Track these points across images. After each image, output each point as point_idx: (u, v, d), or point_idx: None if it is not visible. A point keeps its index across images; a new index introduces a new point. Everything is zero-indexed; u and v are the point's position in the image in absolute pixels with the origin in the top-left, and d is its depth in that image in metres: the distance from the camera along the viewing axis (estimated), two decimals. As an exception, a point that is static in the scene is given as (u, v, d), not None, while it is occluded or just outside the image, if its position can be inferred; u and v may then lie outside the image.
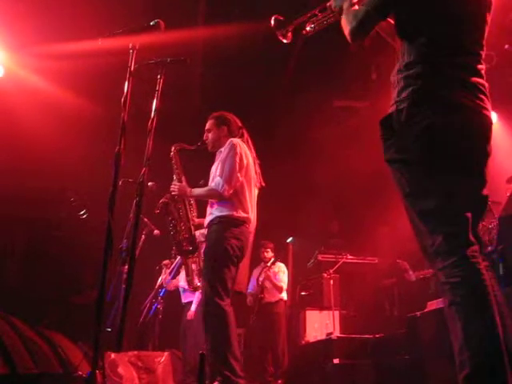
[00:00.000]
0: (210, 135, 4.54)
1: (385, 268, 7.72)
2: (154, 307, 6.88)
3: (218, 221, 4.22)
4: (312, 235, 9.07)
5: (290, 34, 2.75)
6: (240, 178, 4.28)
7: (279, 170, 7.78)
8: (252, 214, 4.37)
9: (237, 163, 4.26)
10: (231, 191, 4.21)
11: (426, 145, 1.99)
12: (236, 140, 4.39)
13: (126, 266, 4.35)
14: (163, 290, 6.94)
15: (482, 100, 2.05)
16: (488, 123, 2.07)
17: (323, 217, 8.84)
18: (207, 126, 4.57)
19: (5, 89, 6.04)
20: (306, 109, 7.83)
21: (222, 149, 4.39)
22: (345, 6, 2.30)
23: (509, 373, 1.77)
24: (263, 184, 4.59)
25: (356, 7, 2.27)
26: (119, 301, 4.66)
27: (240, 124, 4.59)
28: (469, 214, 1.97)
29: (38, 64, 5.94)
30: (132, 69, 2.88)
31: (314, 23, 2.66)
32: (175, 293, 7.17)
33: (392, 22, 2.32)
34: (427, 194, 1.99)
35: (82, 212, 8.99)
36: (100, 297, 2.63)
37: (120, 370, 2.59)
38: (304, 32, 2.72)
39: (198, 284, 4.97)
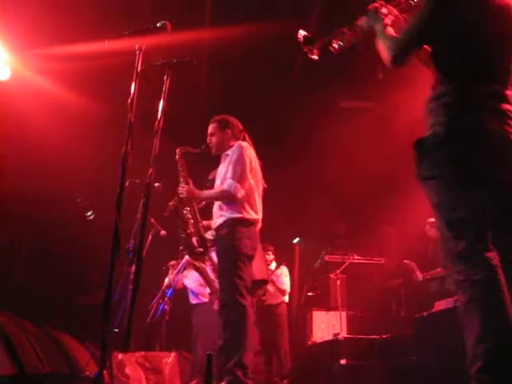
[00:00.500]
0: (213, 139, 4.58)
1: (392, 268, 7.70)
2: (160, 308, 6.88)
3: (231, 223, 4.27)
4: (319, 236, 9.07)
5: (316, 51, 2.79)
6: (251, 181, 4.34)
7: (286, 171, 7.80)
8: (260, 216, 4.43)
9: (247, 166, 4.33)
10: (243, 193, 4.26)
11: (456, 167, 2.22)
12: (244, 143, 4.47)
13: (133, 267, 4.36)
14: (170, 291, 6.94)
15: (510, 125, 2.25)
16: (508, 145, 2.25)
17: (330, 217, 8.82)
18: (210, 129, 4.61)
19: (11, 90, 6.06)
20: (312, 110, 7.83)
21: (229, 151, 4.44)
22: (378, 27, 2.44)
23: None
24: (265, 185, 4.64)
25: (390, 30, 2.40)
26: (126, 301, 4.67)
27: (241, 127, 4.64)
28: (489, 227, 2.19)
29: (45, 66, 5.95)
30: (139, 70, 2.89)
31: (341, 41, 2.71)
32: (182, 294, 7.18)
33: (428, 48, 2.42)
34: (454, 207, 2.21)
35: (88, 213, 9.02)
36: (107, 297, 2.64)
37: (127, 370, 2.60)
38: (331, 49, 2.76)
39: None
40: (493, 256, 2.12)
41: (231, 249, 4.20)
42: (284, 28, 5.98)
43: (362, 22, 2.57)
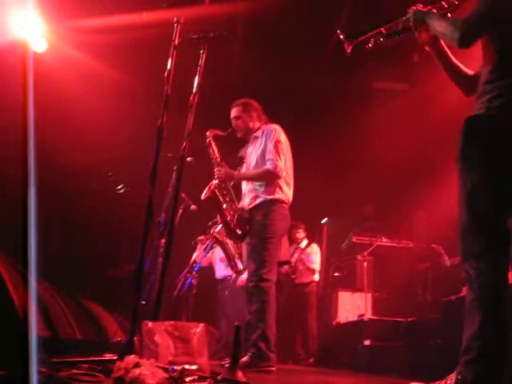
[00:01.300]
0: (239, 122, 4.62)
1: (419, 252, 7.64)
2: (188, 282, 6.97)
3: (267, 203, 4.37)
4: (347, 217, 9.03)
5: (351, 47, 2.83)
6: (287, 162, 4.45)
7: (318, 151, 7.75)
8: (291, 196, 4.51)
9: (283, 146, 4.42)
10: (284, 174, 4.38)
11: (502, 150, 2.24)
12: (275, 125, 4.53)
13: (163, 240, 4.43)
14: (198, 265, 7.03)
15: None
16: None
17: (359, 199, 8.77)
18: (235, 113, 4.64)
19: (49, 63, 6.11)
20: (347, 90, 7.75)
21: (259, 133, 4.50)
22: (433, 17, 2.52)
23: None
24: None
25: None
26: (155, 274, 4.74)
27: (262, 110, 4.68)
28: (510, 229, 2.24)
29: (82, 38, 5.98)
30: (176, 43, 2.90)
31: (378, 40, 2.75)
32: (209, 268, 7.27)
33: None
34: (483, 196, 2.23)
35: (119, 186, 9.13)
36: (139, 269, 2.69)
37: (156, 338, 2.64)
38: (367, 47, 2.81)
39: (241, 267, 5.07)
40: (505, 263, 2.22)
41: (265, 228, 4.32)
42: (319, 5, 5.92)
43: (408, 17, 2.61)
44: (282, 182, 4.40)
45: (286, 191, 4.45)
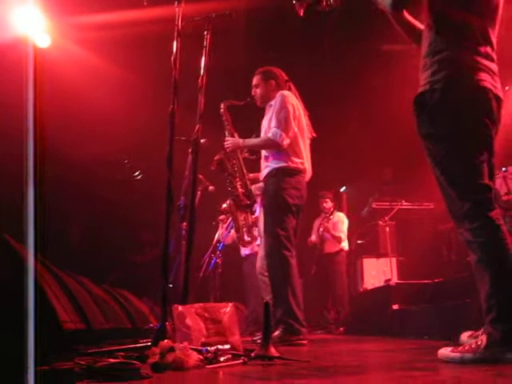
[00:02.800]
0: (258, 90, 4.58)
1: (441, 213, 7.59)
2: (213, 261, 7.04)
3: (276, 172, 4.28)
4: (365, 183, 9.01)
5: (302, 9, 2.89)
6: (295, 129, 4.32)
7: (329, 120, 7.70)
8: (307, 164, 4.42)
9: (291, 114, 4.31)
10: (288, 141, 4.25)
11: (455, 121, 2.33)
12: (286, 92, 4.44)
13: (185, 223, 4.47)
14: (221, 245, 7.09)
15: (497, 82, 2.40)
16: (501, 102, 2.42)
17: (376, 164, 8.73)
18: (254, 81, 4.60)
19: (52, 58, 6.11)
20: (354, 56, 7.66)
21: (272, 102, 4.43)
22: None
23: None
24: (314, 135, 4.62)
25: None
26: (180, 257, 4.80)
27: (286, 77, 4.60)
28: (490, 182, 2.35)
29: (85, 33, 5.98)
30: (179, 27, 2.89)
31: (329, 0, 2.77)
32: (233, 247, 7.32)
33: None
34: (455, 164, 2.35)
35: (136, 173, 9.20)
36: (164, 253, 2.72)
37: (188, 321, 2.69)
38: (319, 9, 2.80)
39: (248, 239, 5.08)
40: (496, 214, 2.30)
41: (276, 199, 4.24)
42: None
43: None
44: (289, 150, 4.29)
45: (296, 160, 4.32)
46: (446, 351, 2.33)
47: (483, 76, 2.34)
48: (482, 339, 2.21)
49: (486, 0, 2.41)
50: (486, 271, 2.24)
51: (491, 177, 2.40)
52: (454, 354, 2.27)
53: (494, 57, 2.43)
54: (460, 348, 2.28)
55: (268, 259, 4.30)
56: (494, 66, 2.41)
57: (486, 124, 2.35)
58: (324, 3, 2.78)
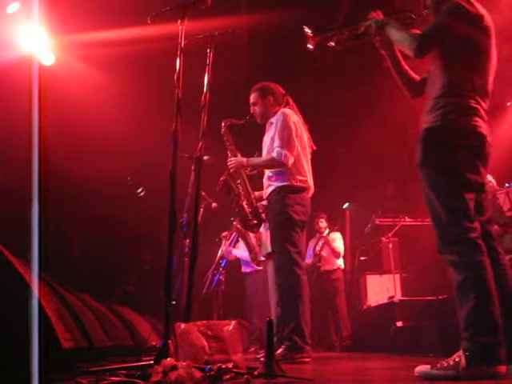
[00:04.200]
0: (256, 108, 4.57)
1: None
2: (216, 278, 7.02)
3: (279, 190, 4.28)
4: (368, 200, 9.00)
5: (314, 43, 2.99)
6: (298, 147, 4.32)
7: (332, 136, 7.72)
8: (310, 181, 4.42)
9: (293, 132, 4.30)
10: (292, 160, 4.25)
11: (458, 158, 2.56)
12: (288, 110, 4.44)
13: (188, 240, 4.45)
14: (224, 261, 7.07)
15: (489, 130, 2.67)
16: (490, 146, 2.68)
17: (379, 180, 8.73)
18: (252, 99, 4.59)
19: (57, 76, 6.15)
20: (354, 72, 7.69)
21: (273, 119, 4.42)
22: (392, 26, 2.77)
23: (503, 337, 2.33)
24: (314, 148, 4.61)
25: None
26: (183, 274, 4.78)
27: (283, 91, 4.60)
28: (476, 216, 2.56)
29: (89, 51, 6.02)
30: (182, 45, 2.90)
31: (339, 40, 2.93)
32: (236, 263, 7.31)
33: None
34: (452, 195, 2.55)
35: (139, 190, 9.20)
36: (167, 270, 2.71)
37: (191, 339, 2.67)
38: (329, 45, 2.97)
39: (262, 259, 5.04)
40: (483, 244, 2.48)
41: (282, 216, 4.23)
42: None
43: (370, 24, 2.83)
44: (293, 169, 4.29)
45: (299, 178, 4.32)
46: (425, 368, 2.41)
47: (482, 124, 2.61)
48: (460, 356, 2.31)
49: (490, 58, 2.68)
50: (470, 290, 2.38)
51: (480, 210, 2.64)
52: (436, 371, 2.35)
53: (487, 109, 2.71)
54: (438, 365, 2.35)
55: (278, 276, 4.28)
56: (486, 117, 2.68)
57: (480, 166, 2.61)
58: (335, 42, 2.94)
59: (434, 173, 2.61)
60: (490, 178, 6.77)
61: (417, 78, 2.96)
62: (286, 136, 4.28)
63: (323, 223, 7.82)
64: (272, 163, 4.33)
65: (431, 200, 2.60)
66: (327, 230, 7.81)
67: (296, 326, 4.05)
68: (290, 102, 4.59)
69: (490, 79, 2.72)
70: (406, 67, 2.97)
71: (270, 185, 4.39)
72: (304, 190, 4.34)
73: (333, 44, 2.95)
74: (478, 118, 2.60)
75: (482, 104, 2.65)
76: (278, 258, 4.31)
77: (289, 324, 4.08)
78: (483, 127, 2.61)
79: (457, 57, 2.67)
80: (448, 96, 2.64)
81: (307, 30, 2.98)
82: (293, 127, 4.32)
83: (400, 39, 2.75)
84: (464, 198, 2.53)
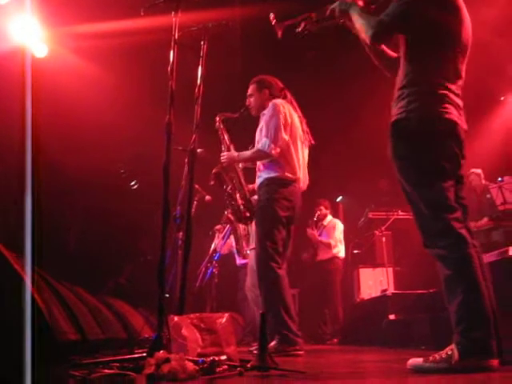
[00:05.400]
0: (252, 100, 4.56)
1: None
2: (209, 271, 7.03)
3: (267, 183, 4.26)
4: (362, 193, 9.01)
5: (281, 31, 3.02)
6: (285, 138, 4.28)
7: (326, 130, 7.71)
8: (301, 173, 4.38)
9: (281, 122, 4.26)
10: (278, 150, 4.22)
11: (426, 148, 2.52)
12: (278, 100, 4.40)
13: (181, 233, 4.45)
14: (217, 255, 7.08)
15: (462, 116, 2.61)
16: (464, 134, 2.61)
17: (372, 174, 8.74)
18: (249, 91, 4.60)
19: (50, 68, 6.11)
20: (350, 66, 7.68)
21: (265, 111, 4.41)
22: (355, 10, 2.71)
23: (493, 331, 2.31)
24: (313, 142, 4.59)
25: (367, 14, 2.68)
26: (176, 267, 4.77)
27: (281, 85, 4.58)
28: (456, 205, 2.51)
29: (82, 43, 5.99)
30: (176, 37, 2.89)
31: (307, 25, 2.91)
32: (229, 256, 7.31)
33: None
34: (428, 186, 2.50)
35: (132, 183, 9.18)
36: (161, 263, 2.71)
37: (184, 331, 2.67)
38: (297, 30, 2.94)
39: (248, 252, 5.05)
40: (466, 233, 2.45)
41: (267, 211, 4.21)
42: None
43: (334, 7, 2.79)
44: (281, 160, 4.26)
45: (288, 169, 4.28)
46: (417, 361, 2.41)
47: (452, 110, 2.54)
48: (453, 349, 2.31)
49: (459, 38, 2.59)
50: (458, 284, 2.37)
51: (457, 201, 2.56)
52: (429, 364, 2.35)
53: (460, 92, 2.64)
54: (431, 358, 2.36)
55: (257, 271, 4.28)
56: (459, 101, 2.62)
57: (455, 153, 2.55)
58: (302, 28, 2.91)
59: (406, 164, 2.56)
60: (478, 170, 6.81)
61: (393, 55, 2.85)
62: (273, 126, 4.25)
63: (322, 211, 7.72)
64: (259, 154, 4.31)
65: (409, 194, 2.57)
66: (329, 217, 7.75)
67: (280, 320, 4.04)
68: (288, 95, 4.57)
69: (462, 61, 2.63)
70: (382, 46, 2.87)
71: (258, 176, 4.38)
72: (293, 182, 4.30)
73: (300, 29, 2.91)
74: (446, 105, 2.53)
75: (452, 88, 2.57)
76: (256, 252, 4.30)
77: (272, 318, 4.06)
78: (453, 114, 2.54)
79: (420, 42, 2.59)
80: (412, 85, 2.58)
81: (272, 19, 2.99)
82: (281, 117, 4.27)
83: (358, 25, 2.68)
84: (441, 187, 2.48)
